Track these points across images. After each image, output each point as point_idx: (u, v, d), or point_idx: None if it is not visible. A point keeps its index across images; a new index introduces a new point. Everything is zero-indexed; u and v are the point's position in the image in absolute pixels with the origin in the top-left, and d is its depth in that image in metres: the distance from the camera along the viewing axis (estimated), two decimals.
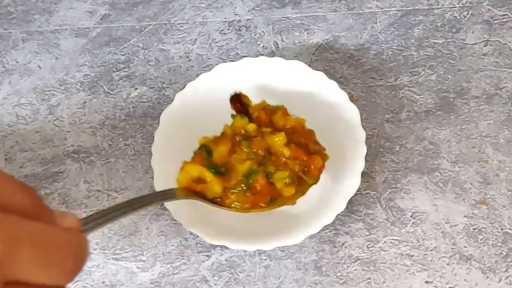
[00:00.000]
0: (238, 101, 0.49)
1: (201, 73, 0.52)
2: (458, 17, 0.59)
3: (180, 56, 0.59)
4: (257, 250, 0.49)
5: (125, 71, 0.59)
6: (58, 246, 0.26)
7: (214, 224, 0.47)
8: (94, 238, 0.51)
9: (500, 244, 0.49)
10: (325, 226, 0.45)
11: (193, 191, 0.44)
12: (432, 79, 0.56)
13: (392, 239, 0.50)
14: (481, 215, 0.51)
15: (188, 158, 0.50)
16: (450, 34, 0.58)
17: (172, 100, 0.51)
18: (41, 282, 0.25)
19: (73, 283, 0.49)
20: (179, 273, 0.50)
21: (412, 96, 0.56)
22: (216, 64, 0.52)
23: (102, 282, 0.50)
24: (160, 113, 0.50)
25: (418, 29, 0.59)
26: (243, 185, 0.44)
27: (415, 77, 0.57)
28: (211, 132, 0.52)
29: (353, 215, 0.51)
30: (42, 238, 0.25)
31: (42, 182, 0.54)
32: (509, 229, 0.50)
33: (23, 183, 0.27)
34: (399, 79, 0.57)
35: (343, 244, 0.50)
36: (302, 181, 0.45)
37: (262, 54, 0.58)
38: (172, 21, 0.61)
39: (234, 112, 0.49)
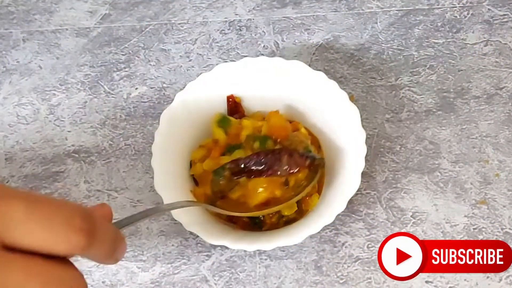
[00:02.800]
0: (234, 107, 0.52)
1: (201, 73, 0.52)
2: (458, 17, 0.59)
3: (180, 56, 0.59)
4: (257, 250, 0.49)
5: (126, 71, 0.59)
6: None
7: (214, 224, 0.47)
8: None
9: None
10: (325, 226, 0.45)
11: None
12: (432, 79, 0.56)
13: None
14: (481, 215, 0.51)
15: (187, 158, 0.51)
16: (450, 34, 0.58)
17: (172, 100, 0.51)
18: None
19: None
20: (179, 273, 0.50)
21: (413, 96, 0.56)
22: (216, 64, 0.52)
23: (102, 282, 0.50)
24: (161, 113, 0.50)
25: (418, 29, 0.59)
26: None
27: (415, 77, 0.57)
28: (210, 132, 0.52)
29: (353, 215, 0.51)
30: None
31: (42, 182, 0.54)
32: (509, 229, 0.50)
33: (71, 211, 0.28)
34: (400, 79, 0.56)
35: (343, 244, 0.50)
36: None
37: (262, 54, 0.58)
38: (172, 21, 0.61)
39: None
